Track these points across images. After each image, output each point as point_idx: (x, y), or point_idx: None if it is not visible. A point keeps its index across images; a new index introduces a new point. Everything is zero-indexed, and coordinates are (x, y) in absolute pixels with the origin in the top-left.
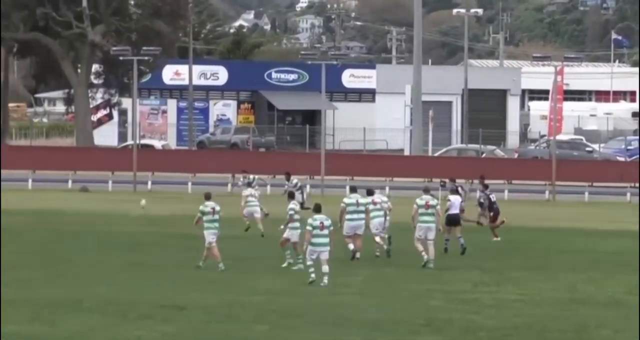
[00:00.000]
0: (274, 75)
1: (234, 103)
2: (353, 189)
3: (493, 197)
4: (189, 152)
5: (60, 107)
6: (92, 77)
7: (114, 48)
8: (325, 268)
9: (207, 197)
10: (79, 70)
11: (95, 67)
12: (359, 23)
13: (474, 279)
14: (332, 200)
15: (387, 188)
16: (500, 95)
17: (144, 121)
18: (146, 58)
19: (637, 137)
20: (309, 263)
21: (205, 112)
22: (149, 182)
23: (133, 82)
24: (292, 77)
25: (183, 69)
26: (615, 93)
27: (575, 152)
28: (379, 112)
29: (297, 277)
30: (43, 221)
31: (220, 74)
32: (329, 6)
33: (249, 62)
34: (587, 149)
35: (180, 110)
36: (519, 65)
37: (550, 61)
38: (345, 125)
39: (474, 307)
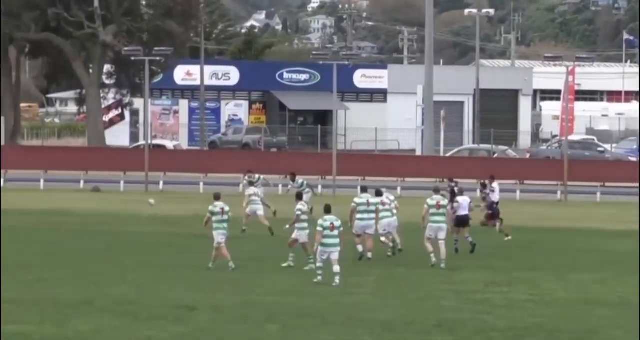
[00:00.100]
0: (285, 75)
1: (245, 103)
2: (364, 189)
3: (492, 196)
4: (200, 152)
5: (72, 108)
6: (103, 77)
7: (126, 48)
8: (337, 268)
9: (217, 197)
10: (90, 71)
11: (107, 67)
12: (370, 23)
13: (485, 279)
14: (344, 201)
15: (398, 188)
16: (512, 96)
17: (156, 121)
18: (158, 58)
19: None
20: (319, 264)
21: (217, 112)
22: (161, 183)
23: (145, 82)
24: (303, 77)
25: (195, 69)
26: (627, 93)
27: (587, 152)
28: (390, 112)
29: (309, 277)
30: (54, 221)
31: (231, 74)
32: (340, 6)
33: (261, 63)
34: (599, 149)
35: (192, 111)
36: (531, 66)
37: (562, 61)
38: (357, 126)
39: (485, 307)
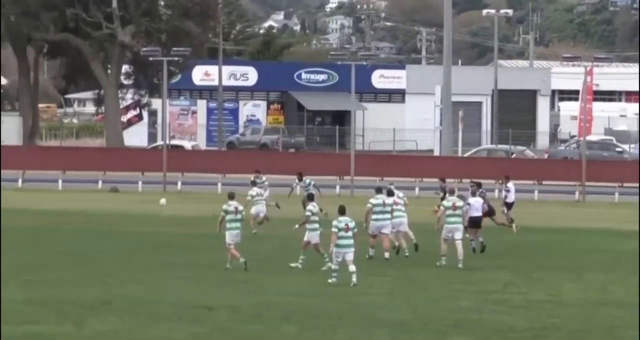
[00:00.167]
0: (303, 75)
1: (263, 104)
2: (379, 190)
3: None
4: (218, 152)
5: (90, 108)
6: (122, 77)
7: (144, 49)
8: (352, 267)
9: (231, 196)
10: (108, 71)
11: (125, 67)
12: (388, 23)
13: (503, 279)
14: (362, 201)
15: (416, 189)
16: (530, 96)
17: (174, 122)
18: (176, 59)
19: None
20: (334, 266)
21: (235, 112)
22: (179, 183)
23: (163, 82)
24: (321, 77)
25: (213, 69)
26: None
27: (605, 152)
28: (408, 112)
29: (324, 277)
30: (72, 222)
31: (249, 75)
32: (358, 7)
33: (279, 63)
34: (617, 149)
35: (210, 111)
36: (549, 66)
37: (580, 62)
38: (375, 126)
39: (503, 307)
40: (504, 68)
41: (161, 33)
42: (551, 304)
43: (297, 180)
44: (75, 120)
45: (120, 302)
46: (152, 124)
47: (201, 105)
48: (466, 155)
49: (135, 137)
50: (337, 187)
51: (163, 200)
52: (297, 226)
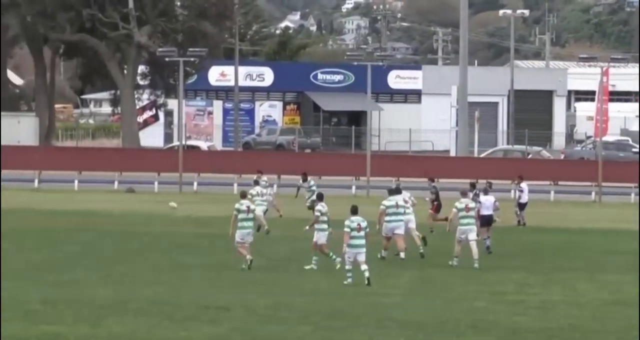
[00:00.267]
0: (319, 76)
1: (279, 104)
2: (391, 191)
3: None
4: (234, 153)
5: (107, 108)
6: (138, 78)
7: (160, 49)
8: (364, 266)
9: (243, 195)
10: (125, 72)
11: (141, 68)
12: (405, 24)
13: (519, 280)
14: (378, 202)
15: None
16: (546, 96)
17: (190, 122)
18: (192, 59)
19: None
20: (348, 267)
21: (251, 113)
22: (195, 183)
23: (179, 83)
24: (337, 78)
25: (229, 70)
26: None
27: (622, 153)
28: (424, 113)
29: (339, 278)
30: (89, 222)
31: (266, 75)
32: (374, 7)
33: (295, 63)
34: (634, 150)
35: (226, 112)
36: (565, 66)
37: (596, 62)
38: (391, 126)
39: (519, 308)
40: (520, 68)
41: (177, 33)
42: (567, 305)
43: (301, 181)
44: (91, 121)
45: (136, 303)
46: (168, 124)
47: (217, 105)
48: (482, 155)
49: (152, 137)
50: (353, 187)
51: (173, 203)
52: (307, 227)
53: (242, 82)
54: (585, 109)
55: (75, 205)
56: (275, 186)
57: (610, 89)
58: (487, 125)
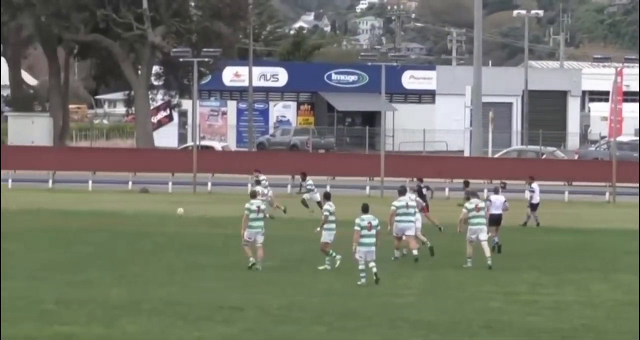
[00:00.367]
0: (333, 76)
1: (293, 104)
2: (401, 192)
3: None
4: (248, 153)
5: (121, 109)
6: (152, 78)
7: (174, 49)
8: (372, 263)
9: (253, 195)
10: (139, 72)
11: (155, 68)
12: (419, 24)
13: (532, 280)
14: (392, 202)
15: (446, 189)
16: (560, 97)
17: (204, 122)
18: (206, 59)
19: None
20: (361, 267)
21: (265, 113)
22: (209, 184)
23: (193, 83)
24: (351, 78)
25: (243, 70)
26: None
27: (636, 153)
28: (438, 113)
29: (353, 278)
30: (103, 222)
31: (280, 76)
32: (389, 7)
33: (309, 64)
34: None
35: (240, 112)
36: (580, 67)
37: (610, 62)
38: (405, 127)
39: (533, 308)
40: (534, 69)
41: (191, 34)
42: (581, 305)
43: (300, 180)
44: (105, 121)
45: (150, 303)
46: (182, 124)
47: (231, 106)
48: (496, 156)
49: (166, 137)
50: (367, 188)
51: (181, 210)
52: (318, 229)
53: (256, 83)
54: (599, 109)
55: (89, 205)
56: (289, 186)
57: (625, 89)
58: (501, 125)
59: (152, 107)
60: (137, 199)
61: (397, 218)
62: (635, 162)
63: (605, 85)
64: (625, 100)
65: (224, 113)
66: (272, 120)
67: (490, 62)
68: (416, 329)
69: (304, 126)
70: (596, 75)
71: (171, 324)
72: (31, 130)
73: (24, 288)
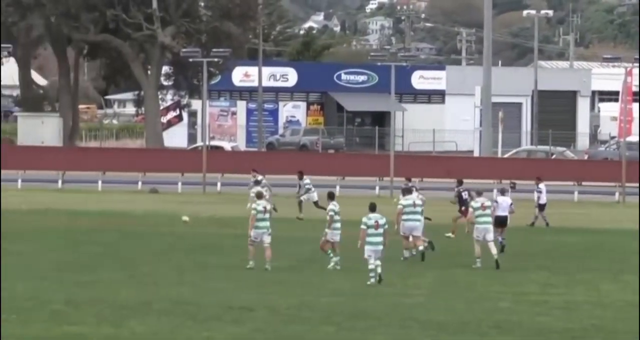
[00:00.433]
0: (343, 76)
1: (303, 104)
2: (407, 191)
3: (465, 194)
4: (258, 153)
5: (130, 109)
6: (162, 78)
7: (184, 50)
8: (377, 262)
9: (259, 196)
10: (149, 72)
11: (165, 68)
12: (428, 24)
13: (542, 280)
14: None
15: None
16: (570, 97)
17: (214, 123)
18: (216, 60)
19: None
20: (370, 267)
21: (274, 113)
22: (219, 184)
23: (203, 83)
24: (361, 78)
25: (252, 70)
26: None
27: None
28: (448, 113)
29: (362, 278)
30: (112, 222)
31: (289, 76)
32: (398, 7)
33: (319, 64)
34: None
35: (249, 112)
36: (589, 67)
37: (620, 62)
38: (415, 127)
39: (542, 308)
40: (544, 69)
41: (201, 34)
42: (591, 305)
43: (297, 179)
44: (115, 121)
45: (159, 303)
46: (192, 124)
47: (241, 106)
48: (506, 156)
49: (175, 138)
50: (377, 188)
51: (186, 217)
52: (326, 230)
53: (266, 83)
54: (609, 110)
55: (98, 205)
56: (298, 186)
57: (634, 89)
58: (510, 125)
59: (161, 107)
60: (146, 199)
61: (404, 217)
62: None
63: (615, 85)
64: (635, 100)
65: (234, 113)
66: (281, 120)
67: (500, 62)
68: (426, 329)
69: (313, 126)
70: (606, 76)
71: (180, 324)
72: (41, 130)
73: (33, 288)
